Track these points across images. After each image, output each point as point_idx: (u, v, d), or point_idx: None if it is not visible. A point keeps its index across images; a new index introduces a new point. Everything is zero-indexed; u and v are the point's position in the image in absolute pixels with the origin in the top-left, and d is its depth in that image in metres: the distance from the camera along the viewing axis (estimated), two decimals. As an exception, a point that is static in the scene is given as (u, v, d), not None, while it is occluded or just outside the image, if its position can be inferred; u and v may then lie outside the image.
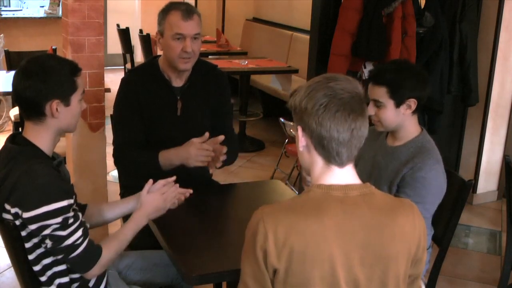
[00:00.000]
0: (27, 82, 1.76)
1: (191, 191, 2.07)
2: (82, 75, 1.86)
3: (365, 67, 3.80)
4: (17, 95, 1.79)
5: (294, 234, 1.35)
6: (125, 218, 2.60)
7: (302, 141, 1.47)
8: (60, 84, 1.77)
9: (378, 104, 2.18)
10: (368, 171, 2.32)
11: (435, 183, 2.14)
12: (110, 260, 1.86)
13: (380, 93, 2.16)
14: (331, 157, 1.44)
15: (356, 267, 1.39)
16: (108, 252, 1.83)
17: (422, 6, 3.92)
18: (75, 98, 1.82)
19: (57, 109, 1.78)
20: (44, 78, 1.75)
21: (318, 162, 1.47)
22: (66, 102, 1.79)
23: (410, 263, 1.47)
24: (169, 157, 2.35)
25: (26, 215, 1.69)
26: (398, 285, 1.45)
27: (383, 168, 2.26)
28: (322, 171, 1.46)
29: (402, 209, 1.46)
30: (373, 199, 1.44)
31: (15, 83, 1.79)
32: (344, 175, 1.46)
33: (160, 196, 1.99)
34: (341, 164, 1.45)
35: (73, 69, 1.82)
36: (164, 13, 2.43)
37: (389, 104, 2.16)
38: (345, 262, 1.38)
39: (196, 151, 2.29)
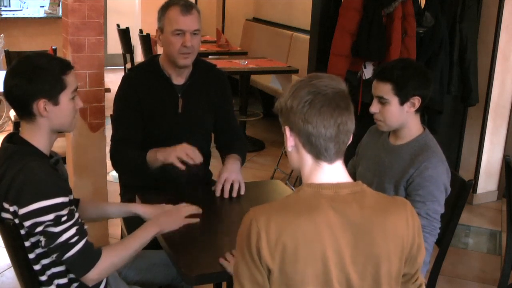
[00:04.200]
0: (13, 81, 1.76)
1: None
2: (74, 73, 1.84)
3: (365, 67, 3.80)
4: (6, 95, 1.79)
5: (286, 233, 1.35)
6: (128, 224, 2.61)
7: (290, 141, 1.48)
8: (46, 83, 1.76)
9: (382, 101, 2.18)
10: (372, 170, 2.33)
11: (441, 179, 2.15)
12: (112, 265, 1.80)
13: (385, 89, 2.16)
14: (320, 154, 1.44)
15: (348, 265, 1.39)
16: (109, 257, 1.78)
17: (422, 6, 3.92)
18: (64, 97, 1.80)
19: (45, 109, 1.77)
20: (30, 77, 1.74)
21: (307, 160, 1.47)
22: (55, 101, 1.78)
23: (403, 261, 1.47)
24: (156, 151, 2.34)
25: (21, 211, 1.69)
26: (391, 284, 1.45)
27: (388, 166, 2.26)
28: (312, 169, 1.46)
29: (394, 208, 1.46)
30: (364, 198, 1.44)
31: (4, 82, 1.79)
32: (334, 173, 1.46)
33: (174, 208, 1.99)
34: (330, 160, 1.45)
35: (63, 67, 1.80)
36: (164, 9, 2.45)
37: (394, 101, 2.17)
38: (337, 260, 1.38)
39: (185, 147, 2.28)
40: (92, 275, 1.76)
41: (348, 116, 1.43)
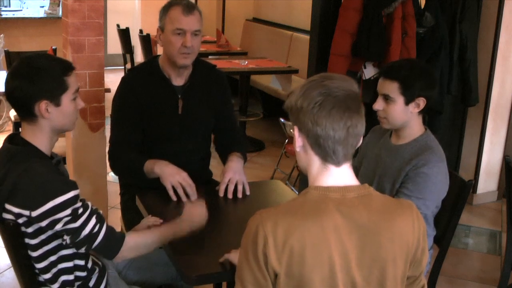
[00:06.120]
0: (15, 82, 1.76)
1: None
2: (75, 74, 1.84)
3: (365, 67, 3.80)
4: (8, 96, 1.80)
5: (293, 236, 1.35)
6: (126, 220, 2.61)
7: (298, 141, 1.47)
8: (48, 84, 1.76)
9: (387, 99, 2.19)
10: (373, 169, 2.33)
11: (436, 180, 2.15)
12: (137, 245, 1.85)
13: (392, 88, 2.17)
14: (328, 156, 1.43)
15: (353, 269, 1.39)
16: (134, 236, 1.85)
17: (422, 6, 3.92)
18: (66, 98, 1.80)
19: (47, 110, 1.77)
20: (32, 79, 1.75)
21: (315, 161, 1.46)
22: (56, 102, 1.78)
23: (408, 264, 1.46)
24: (154, 163, 2.32)
25: (34, 213, 1.69)
26: (396, 287, 1.45)
27: (387, 165, 2.26)
28: (319, 171, 1.46)
29: (400, 211, 1.46)
30: (371, 201, 1.44)
31: (6, 84, 1.79)
32: (341, 175, 1.45)
33: (203, 206, 2.02)
34: (337, 163, 1.44)
35: (64, 68, 1.80)
36: (165, 9, 2.45)
37: (399, 100, 2.17)
38: (343, 264, 1.37)
39: (184, 178, 2.27)
40: (122, 255, 1.83)
41: (358, 119, 1.42)
